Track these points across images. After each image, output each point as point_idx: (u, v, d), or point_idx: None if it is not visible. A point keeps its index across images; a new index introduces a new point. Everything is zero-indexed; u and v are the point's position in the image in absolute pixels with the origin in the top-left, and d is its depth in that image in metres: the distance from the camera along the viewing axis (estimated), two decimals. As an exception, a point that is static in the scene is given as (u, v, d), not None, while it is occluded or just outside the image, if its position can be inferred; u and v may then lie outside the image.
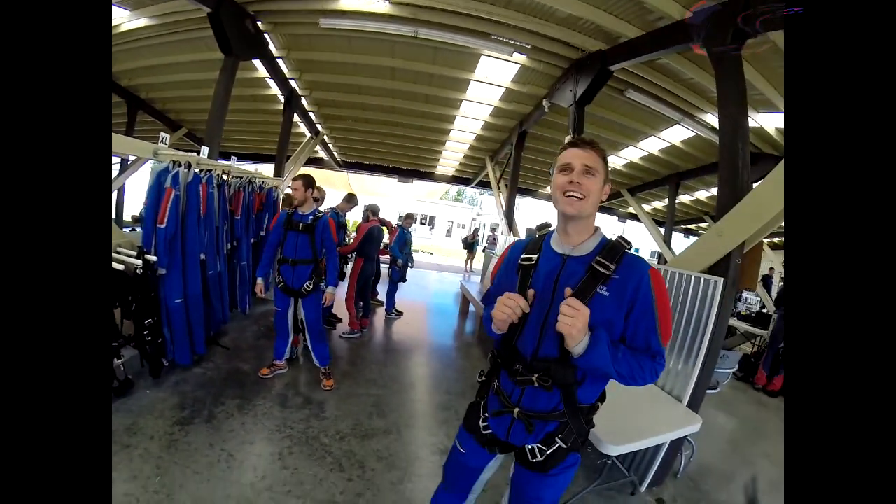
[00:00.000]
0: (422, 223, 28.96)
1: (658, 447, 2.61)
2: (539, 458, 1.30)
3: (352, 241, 5.45)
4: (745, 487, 2.35)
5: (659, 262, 12.92)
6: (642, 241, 20.96)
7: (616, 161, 9.29)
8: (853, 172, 0.77)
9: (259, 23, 5.06)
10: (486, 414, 1.43)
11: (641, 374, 1.17)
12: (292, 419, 3.12)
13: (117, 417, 2.86)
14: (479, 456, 1.47)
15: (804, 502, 0.78)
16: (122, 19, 5.44)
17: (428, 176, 13.27)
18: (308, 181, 3.54)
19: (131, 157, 4.56)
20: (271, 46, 5.67)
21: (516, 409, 1.29)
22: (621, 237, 1.27)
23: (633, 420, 2.47)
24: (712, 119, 5.74)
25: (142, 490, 2.23)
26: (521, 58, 5.22)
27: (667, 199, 10.65)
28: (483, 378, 1.47)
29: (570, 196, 1.20)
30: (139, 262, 3.12)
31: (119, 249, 3.21)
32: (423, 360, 4.91)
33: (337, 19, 4.64)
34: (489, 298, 1.41)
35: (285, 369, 3.91)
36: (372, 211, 5.69)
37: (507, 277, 1.40)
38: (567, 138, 1.41)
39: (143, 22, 5.41)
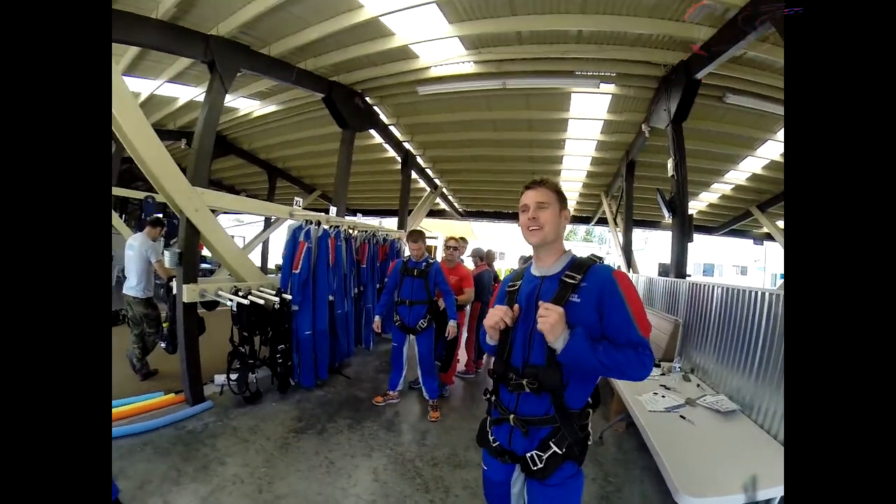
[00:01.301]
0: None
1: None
2: (539, 466, 1.38)
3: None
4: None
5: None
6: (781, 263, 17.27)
7: (738, 176, 8.26)
8: (854, 172, 0.78)
9: (367, 98, 5.99)
10: (491, 427, 1.56)
11: (629, 364, 1.24)
12: (394, 442, 3.37)
13: (244, 419, 3.50)
14: (498, 469, 1.55)
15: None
16: (255, 107, 6.92)
17: (547, 219, 13.22)
18: (420, 236, 3.96)
19: (273, 217, 5.66)
20: (381, 116, 6.59)
21: (512, 416, 1.42)
22: (592, 254, 1.44)
23: (723, 467, 2.11)
24: None
25: (248, 475, 2.73)
26: (609, 87, 5.22)
27: None
28: (488, 396, 1.61)
29: (531, 230, 1.42)
30: (276, 298, 3.83)
31: (261, 288, 3.99)
32: None
33: (432, 86, 5.27)
34: None
35: (398, 399, 4.22)
36: (479, 256, 5.83)
37: (500, 303, 1.60)
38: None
39: (271, 108, 6.83)
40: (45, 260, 0.74)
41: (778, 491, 1.97)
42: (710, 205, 10.52)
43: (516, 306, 1.46)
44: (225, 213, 12.82)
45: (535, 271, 1.51)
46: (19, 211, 0.72)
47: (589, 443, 1.43)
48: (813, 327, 0.82)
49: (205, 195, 3.51)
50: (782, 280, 22.23)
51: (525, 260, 1.63)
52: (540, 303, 1.34)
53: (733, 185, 9.07)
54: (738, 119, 5.82)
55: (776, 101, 4.94)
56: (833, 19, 0.80)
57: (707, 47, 3.79)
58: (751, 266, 26.12)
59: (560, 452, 1.36)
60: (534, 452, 1.39)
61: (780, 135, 6.32)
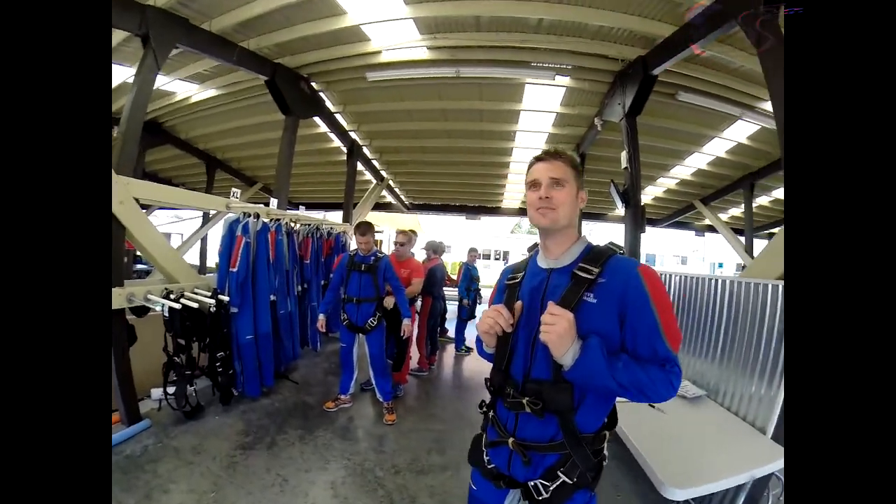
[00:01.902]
0: (496, 258, 28.92)
1: (739, 488, 2.17)
2: (545, 496, 1.15)
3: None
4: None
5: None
6: (725, 254, 19.08)
7: (683, 171, 8.73)
8: (856, 173, 0.76)
9: (313, 84, 5.61)
10: (487, 449, 1.34)
11: (652, 386, 1.02)
12: (350, 451, 3.15)
13: (186, 437, 3.13)
14: (490, 492, 1.34)
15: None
16: (193, 91, 6.33)
17: (495, 211, 13.34)
18: (368, 228, 3.72)
19: (212, 211, 5.17)
20: (328, 103, 6.23)
21: (511, 439, 1.19)
22: (611, 242, 1.21)
23: (703, 457, 2.13)
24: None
25: (195, 502, 2.40)
26: (564, 80, 5.22)
27: (743, 205, 9.72)
28: (483, 409, 1.38)
29: (541, 210, 1.17)
30: (212, 301, 3.43)
31: (196, 290, 3.57)
32: None
33: (382, 71, 5.01)
34: None
35: (350, 403, 3.99)
36: (433, 249, 5.74)
37: (498, 301, 1.35)
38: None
39: (211, 93, 6.26)
40: (44, 260, 0.74)
41: (751, 475, 2.01)
42: (656, 198, 11.03)
43: (518, 304, 1.21)
44: (161, 207, 11.77)
45: (541, 262, 1.26)
46: (18, 211, 0.72)
47: (605, 463, 1.19)
48: (816, 324, 0.80)
49: (130, 185, 3.06)
50: (720, 269, 24.14)
51: (530, 248, 1.41)
52: (548, 304, 1.08)
53: (678, 180, 9.54)
54: (687, 116, 6.08)
55: (726, 100, 5.21)
56: (834, 19, 0.79)
57: (670, 43, 3.85)
58: (690, 256, 27.98)
59: (570, 482, 1.13)
60: (538, 482, 1.17)
61: (727, 132, 6.70)
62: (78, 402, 0.76)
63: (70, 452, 0.74)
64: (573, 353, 1.02)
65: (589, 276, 1.10)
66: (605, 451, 1.19)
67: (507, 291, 1.31)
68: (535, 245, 1.38)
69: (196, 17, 4.05)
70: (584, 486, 1.15)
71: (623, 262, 1.12)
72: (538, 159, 1.22)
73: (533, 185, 1.20)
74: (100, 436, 0.79)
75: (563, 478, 1.13)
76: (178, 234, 13.96)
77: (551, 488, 1.14)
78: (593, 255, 1.16)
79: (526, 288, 1.25)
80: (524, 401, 1.13)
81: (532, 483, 1.18)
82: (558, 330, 1.01)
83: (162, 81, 5.75)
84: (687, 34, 3.67)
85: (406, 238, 4.45)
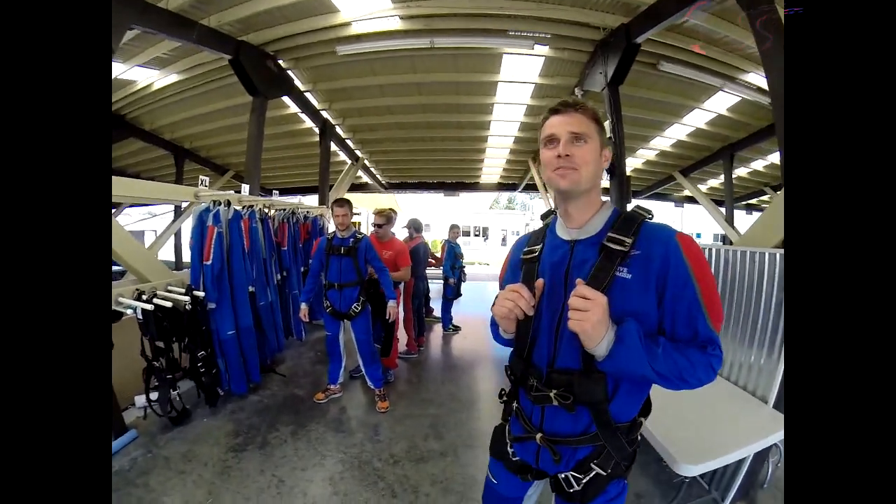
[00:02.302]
0: (475, 235, 28.92)
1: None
2: (576, 488, 1.07)
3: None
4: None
5: (724, 244, 11.98)
6: (703, 224, 19.76)
7: (663, 142, 8.75)
8: (857, 171, 0.75)
9: (280, 61, 5.28)
10: (510, 437, 1.24)
11: (692, 371, 0.91)
12: (345, 444, 3.07)
13: (174, 445, 2.98)
14: (513, 485, 1.27)
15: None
16: (154, 78, 5.92)
17: (473, 187, 13.20)
18: (345, 202, 3.55)
19: (183, 204, 4.88)
20: (297, 82, 5.90)
21: (539, 434, 1.08)
22: (638, 206, 1.06)
23: (711, 430, 2.11)
24: (755, 79, 5.27)
25: None
26: (543, 49, 5.05)
27: (722, 176, 9.87)
28: (504, 398, 1.27)
29: (559, 171, 1.02)
30: (187, 298, 3.23)
31: (170, 288, 3.36)
32: (485, 374, 4.68)
33: (353, 45, 4.74)
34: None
35: (340, 393, 3.89)
36: (415, 228, 5.58)
37: (513, 278, 1.20)
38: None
39: (173, 78, 5.86)
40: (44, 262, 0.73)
41: (757, 446, 2.02)
42: (636, 169, 11.05)
43: (539, 282, 1.05)
44: (132, 205, 11.19)
45: (562, 232, 1.11)
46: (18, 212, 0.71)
47: (638, 450, 1.10)
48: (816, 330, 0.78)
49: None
50: (699, 238, 24.84)
51: (544, 216, 1.26)
52: (577, 284, 0.93)
53: (658, 151, 9.56)
54: (669, 87, 6.01)
55: (708, 71, 5.15)
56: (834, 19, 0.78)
57: (654, 11, 3.73)
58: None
59: (604, 474, 1.05)
60: (569, 474, 1.08)
61: (707, 104, 6.69)
62: (78, 409, 0.75)
63: (69, 462, 0.73)
64: (608, 341, 0.90)
65: (622, 248, 0.96)
66: (639, 437, 1.10)
67: (523, 267, 1.15)
68: (550, 212, 1.23)
69: None
70: (617, 475, 1.07)
71: (659, 230, 0.98)
72: (554, 111, 1.05)
73: (549, 141, 1.04)
74: (99, 445, 0.77)
75: (597, 470, 1.05)
76: (151, 230, 13.40)
77: (584, 481, 1.06)
78: (623, 222, 1.01)
79: (546, 263, 1.10)
80: (551, 394, 1.02)
81: (563, 475, 1.09)
82: (591, 318, 0.88)
83: (120, 70, 5.34)
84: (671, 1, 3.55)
85: (384, 219, 4.25)
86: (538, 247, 1.14)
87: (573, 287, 0.95)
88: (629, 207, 1.08)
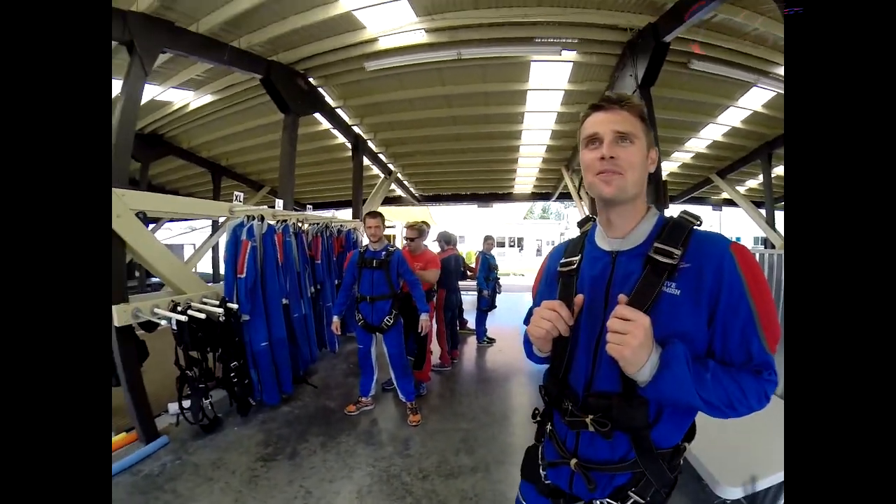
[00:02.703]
0: (510, 245, 28.73)
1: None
2: None
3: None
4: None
5: (766, 248, 11.33)
6: (743, 227, 18.88)
7: (698, 144, 8.40)
8: (858, 171, 0.73)
9: (310, 79, 5.44)
10: (542, 461, 1.14)
11: (744, 399, 0.82)
12: (375, 456, 3.04)
13: (204, 452, 3.05)
14: None
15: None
16: (189, 98, 6.20)
17: (507, 197, 13.09)
18: (379, 215, 3.58)
19: (221, 219, 5.06)
20: (327, 98, 6.06)
21: (573, 461, 0.99)
22: (685, 212, 0.95)
23: (755, 447, 1.93)
24: None
25: None
26: (571, 55, 4.97)
27: (761, 176, 9.35)
28: (538, 419, 1.17)
29: (602, 175, 0.91)
30: (221, 310, 3.31)
31: (205, 299, 3.46)
32: (519, 387, 4.55)
33: (380, 60, 4.82)
34: (530, 318, 1.09)
35: (371, 406, 3.87)
36: (446, 240, 5.57)
37: (548, 291, 1.11)
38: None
39: (207, 99, 6.13)
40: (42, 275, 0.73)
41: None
42: (671, 173, 10.68)
43: (578, 298, 0.95)
44: (172, 219, 11.79)
45: (602, 242, 1.02)
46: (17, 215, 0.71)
47: (679, 476, 1.00)
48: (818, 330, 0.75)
49: (126, 197, 2.95)
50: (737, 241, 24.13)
51: (581, 223, 1.17)
52: (619, 301, 0.83)
53: (693, 153, 9.21)
54: (701, 86, 5.79)
55: (741, 66, 4.91)
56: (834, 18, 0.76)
57: (681, 8, 3.59)
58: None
59: (643, 502, 0.95)
60: (605, 501, 0.98)
61: (742, 100, 6.38)
62: (77, 421, 0.73)
63: (69, 476, 0.71)
64: (651, 366, 0.81)
65: (670, 262, 0.86)
66: (681, 462, 0.99)
67: (560, 280, 1.05)
68: (588, 219, 1.13)
69: (181, 19, 3.91)
70: (656, 503, 0.96)
71: (711, 240, 0.89)
72: (596, 108, 0.95)
73: (591, 140, 0.94)
74: (99, 458, 0.74)
75: (635, 498, 0.95)
76: (190, 244, 14.03)
77: None
78: (670, 230, 0.91)
79: (586, 276, 1.00)
80: (587, 419, 0.92)
81: (598, 503, 0.99)
82: (632, 343, 0.78)
83: (156, 91, 5.65)
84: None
85: (416, 232, 4.25)
86: (576, 258, 1.05)
87: (614, 304, 0.87)
88: (674, 213, 0.98)
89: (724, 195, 11.45)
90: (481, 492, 2.61)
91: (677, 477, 0.97)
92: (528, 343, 1.10)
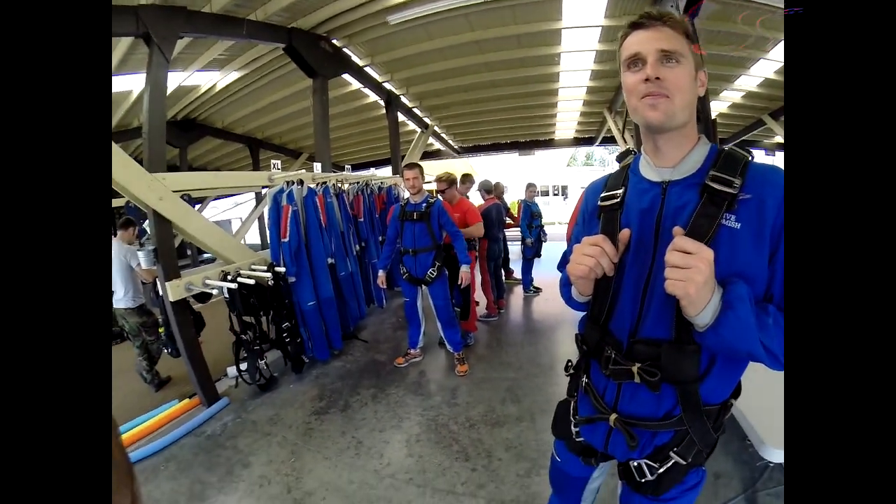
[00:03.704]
0: (554, 194, 28.03)
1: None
2: (650, 478, 0.94)
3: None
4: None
5: None
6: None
7: (749, 82, 7.53)
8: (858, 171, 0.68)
9: (334, 41, 5.27)
10: (576, 418, 1.09)
11: None
12: (423, 406, 3.16)
13: (262, 410, 3.27)
14: (576, 466, 1.14)
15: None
16: (216, 79, 6.20)
17: (548, 144, 12.51)
18: (416, 166, 3.55)
19: (263, 190, 5.21)
20: (354, 58, 5.88)
21: (613, 416, 0.93)
22: (736, 145, 0.87)
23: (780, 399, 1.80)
24: None
25: (275, 473, 2.50)
26: (607, -17, 4.50)
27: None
28: (571, 371, 1.12)
29: (650, 98, 0.82)
30: (269, 274, 3.46)
31: (253, 266, 3.63)
32: (565, 337, 4.51)
33: (402, 12, 4.56)
34: (566, 260, 1.00)
35: (420, 357, 4.00)
36: (486, 189, 5.47)
37: (586, 230, 1.03)
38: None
39: (234, 76, 6.09)
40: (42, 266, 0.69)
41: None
42: (720, 114, 9.72)
43: (625, 233, 0.87)
44: (217, 197, 12.33)
45: (649, 173, 0.92)
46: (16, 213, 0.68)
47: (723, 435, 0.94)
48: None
49: (166, 180, 3.08)
50: None
51: (621, 157, 1.07)
52: (671, 246, 0.74)
53: (744, 93, 8.30)
54: (751, 17, 5.06)
55: None
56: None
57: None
58: None
59: (684, 463, 0.91)
60: (643, 462, 0.94)
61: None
62: (74, 409, 0.68)
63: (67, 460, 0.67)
64: (714, 308, 0.73)
65: (730, 191, 0.78)
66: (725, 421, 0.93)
67: (602, 215, 0.96)
68: (629, 152, 1.03)
69: (193, 1, 3.86)
70: (697, 464, 0.93)
71: (771, 172, 0.80)
72: (636, 25, 0.85)
73: (633, 62, 0.84)
74: (99, 443, 0.71)
75: (676, 458, 0.90)
76: (237, 218, 14.71)
77: (659, 471, 0.92)
78: (725, 159, 0.82)
79: (633, 209, 0.91)
80: (634, 368, 0.86)
81: (635, 463, 0.95)
82: (696, 278, 0.70)
83: (182, 77, 5.70)
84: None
85: (445, 184, 4.15)
86: (619, 191, 0.95)
87: (666, 238, 0.79)
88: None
89: (779, 139, 10.32)
90: (525, 441, 2.66)
91: (719, 437, 0.92)
92: (565, 285, 1.05)
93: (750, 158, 0.82)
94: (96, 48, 0.75)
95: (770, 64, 6.81)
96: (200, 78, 6.11)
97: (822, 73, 0.71)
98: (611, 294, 0.92)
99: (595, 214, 1.00)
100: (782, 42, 5.85)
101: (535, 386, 3.37)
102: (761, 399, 1.84)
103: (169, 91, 3.83)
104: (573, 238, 1.11)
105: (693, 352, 0.81)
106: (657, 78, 0.80)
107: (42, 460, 0.66)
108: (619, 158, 1.06)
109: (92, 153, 0.77)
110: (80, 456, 0.69)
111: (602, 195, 0.99)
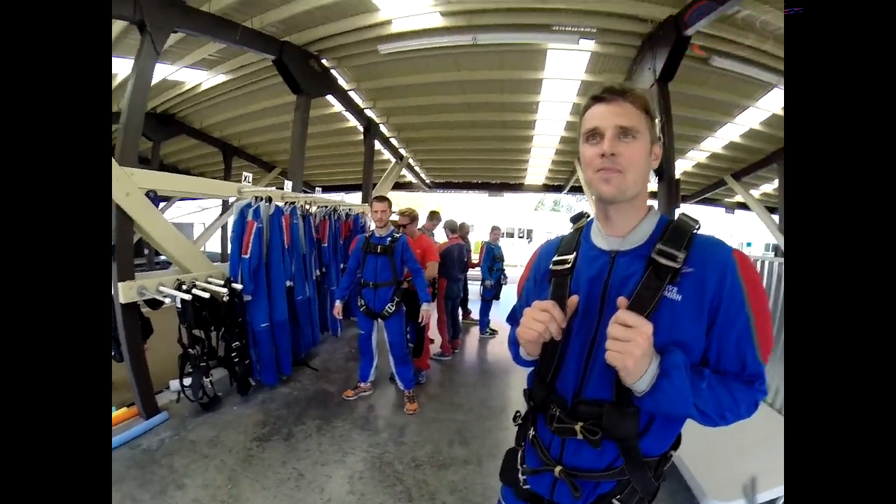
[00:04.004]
0: (520, 237, 28.56)
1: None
2: None
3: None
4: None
5: (776, 255, 11.10)
6: (754, 233, 18.46)
7: (715, 143, 8.18)
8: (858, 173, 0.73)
9: (323, 61, 5.37)
10: (523, 467, 1.10)
11: (735, 408, 0.81)
12: (369, 443, 3.07)
13: (202, 430, 3.11)
14: None
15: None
16: (202, 78, 6.17)
17: (518, 188, 12.93)
18: (386, 199, 3.55)
19: (231, 199, 5.08)
20: (340, 81, 5.98)
21: (558, 468, 0.95)
22: (685, 215, 0.92)
23: (746, 460, 1.90)
24: None
25: (210, 498, 2.37)
26: (589, 44, 4.83)
27: (776, 181, 9.10)
28: (519, 422, 1.14)
29: (604, 172, 0.86)
30: (224, 290, 3.34)
31: (210, 279, 3.50)
32: (518, 381, 4.48)
33: (394, 43, 4.73)
34: (515, 317, 1.06)
35: (370, 391, 3.90)
36: (450, 228, 5.51)
37: (537, 290, 1.07)
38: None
39: (220, 79, 6.09)
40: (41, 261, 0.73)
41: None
42: (685, 172, 10.44)
43: (573, 299, 0.91)
44: (183, 198, 11.90)
45: (600, 241, 0.97)
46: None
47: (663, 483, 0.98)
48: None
49: (135, 176, 2.97)
50: (749, 248, 23.45)
51: (575, 219, 1.11)
52: (612, 319, 0.79)
53: (709, 153, 8.99)
54: (721, 84, 5.59)
55: (763, 66, 4.73)
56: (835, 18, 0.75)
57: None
58: (718, 235, 26.54)
59: None
60: None
61: (762, 102, 6.19)
62: (76, 403, 0.73)
63: (69, 454, 0.71)
64: (650, 376, 0.78)
65: (673, 265, 0.82)
66: (665, 470, 0.97)
67: (552, 280, 1.00)
68: (582, 215, 1.08)
69: None
70: None
71: (713, 245, 0.86)
72: (598, 99, 0.89)
73: (591, 135, 0.88)
74: (99, 438, 0.74)
75: None
76: (201, 223, 14.19)
77: None
78: (672, 232, 0.87)
79: (582, 277, 0.95)
80: (576, 426, 0.89)
81: None
82: (634, 352, 0.75)
83: (169, 70, 5.63)
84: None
85: (407, 218, 4.15)
86: (571, 256, 0.99)
87: (611, 307, 0.84)
88: (676, 214, 0.96)
89: (738, 198, 11.20)
90: (471, 485, 2.62)
91: (660, 485, 0.95)
92: (514, 344, 1.07)
93: (696, 229, 0.87)
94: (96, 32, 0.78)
95: (736, 128, 7.42)
96: (187, 75, 6.04)
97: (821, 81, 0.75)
98: (557, 356, 0.95)
99: (547, 277, 1.04)
100: (750, 108, 6.46)
101: (484, 429, 3.34)
102: (702, 447, 1.92)
103: (153, 82, 3.74)
104: (524, 294, 1.15)
105: (633, 413, 0.85)
106: (612, 154, 0.84)
107: (42, 457, 0.68)
108: (574, 220, 1.11)
109: (92, 139, 0.78)
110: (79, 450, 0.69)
111: (554, 259, 1.03)
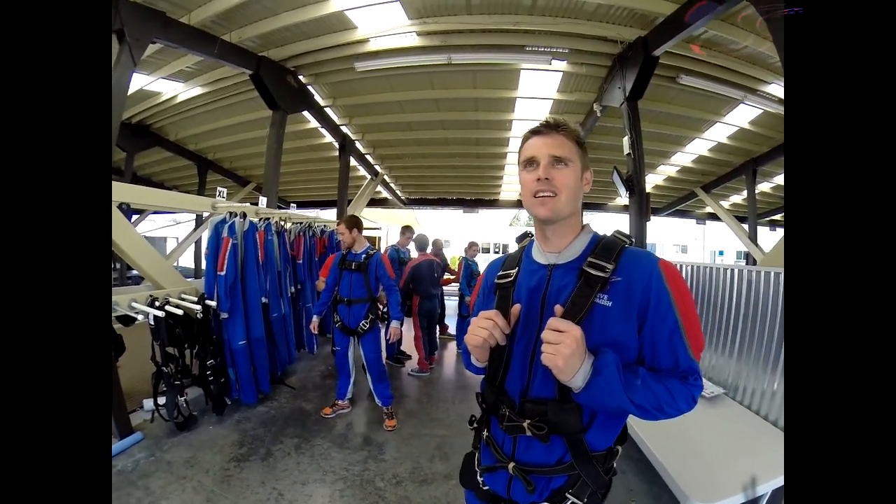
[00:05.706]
0: (495, 251, 28.87)
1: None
2: None
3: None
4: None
5: (748, 263, 11.58)
6: (726, 242, 19.20)
7: (684, 158, 8.58)
8: (857, 172, 0.74)
9: (300, 77, 5.40)
10: (479, 467, 1.18)
11: (672, 402, 0.89)
12: (349, 460, 3.01)
13: (178, 450, 3.00)
14: None
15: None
16: (178, 90, 6.13)
17: (493, 203, 13.13)
18: (352, 222, 3.53)
19: (205, 213, 4.99)
20: (317, 97, 6.02)
21: (511, 464, 1.03)
22: (618, 231, 1.04)
23: (726, 462, 1.98)
24: (777, 90, 5.16)
25: None
26: (561, 64, 5.03)
27: (745, 192, 9.61)
28: (474, 425, 1.23)
29: (540, 196, 0.98)
30: (198, 307, 3.26)
31: (183, 296, 3.41)
32: None
33: (371, 61, 4.81)
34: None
35: (348, 409, 3.84)
36: (420, 247, 5.35)
37: (485, 303, 1.18)
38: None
39: (196, 91, 6.06)
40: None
41: (770, 486, 1.86)
42: (656, 186, 10.86)
43: (515, 308, 1.01)
44: (156, 212, 11.57)
45: (539, 257, 1.07)
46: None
47: (614, 478, 1.07)
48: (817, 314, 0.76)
49: (109, 187, 2.89)
50: (721, 256, 24.14)
51: (519, 238, 1.23)
52: (555, 312, 0.91)
53: (679, 167, 9.38)
54: (689, 101, 5.91)
55: (729, 83, 5.04)
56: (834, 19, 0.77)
57: (672, 23, 3.66)
58: (691, 244, 27.01)
59: None
60: None
61: (729, 117, 6.55)
62: (77, 413, 0.74)
63: (69, 465, 0.71)
64: (584, 374, 0.87)
65: (602, 275, 0.93)
66: (615, 465, 1.05)
67: (497, 292, 1.11)
68: (526, 234, 1.20)
69: (173, 10, 3.86)
70: None
71: (640, 257, 0.96)
72: (534, 133, 1.02)
73: (528, 163, 1.00)
74: (100, 449, 0.75)
75: (573, 499, 1.00)
76: (174, 237, 13.79)
77: None
78: (603, 247, 0.98)
79: (523, 288, 1.06)
80: (525, 423, 0.98)
81: None
82: (564, 352, 0.84)
83: (145, 81, 5.56)
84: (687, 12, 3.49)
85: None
86: (514, 270, 1.10)
87: (549, 314, 0.93)
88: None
89: (708, 209, 11.73)
90: (453, 499, 2.60)
91: (612, 479, 1.03)
92: (466, 353, 1.14)
93: (627, 244, 0.99)
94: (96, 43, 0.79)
95: (704, 142, 7.79)
96: (164, 85, 5.98)
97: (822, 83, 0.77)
98: (504, 360, 1.04)
99: (493, 290, 1.14)
100: (718, 123, 6.79)
101: (464, 443, 3.26)
102: (683, 450, 1.99)
103: (129, 92, 3.69)
104: (475, 309, 1.25)
105: (574, 409, 0.93)
106: (547, 178, 0.96)
107: (42, 454, 0.68)
108: (518, 240, 1.22)
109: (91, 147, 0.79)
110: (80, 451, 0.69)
111: (499, 273, 1.14)
